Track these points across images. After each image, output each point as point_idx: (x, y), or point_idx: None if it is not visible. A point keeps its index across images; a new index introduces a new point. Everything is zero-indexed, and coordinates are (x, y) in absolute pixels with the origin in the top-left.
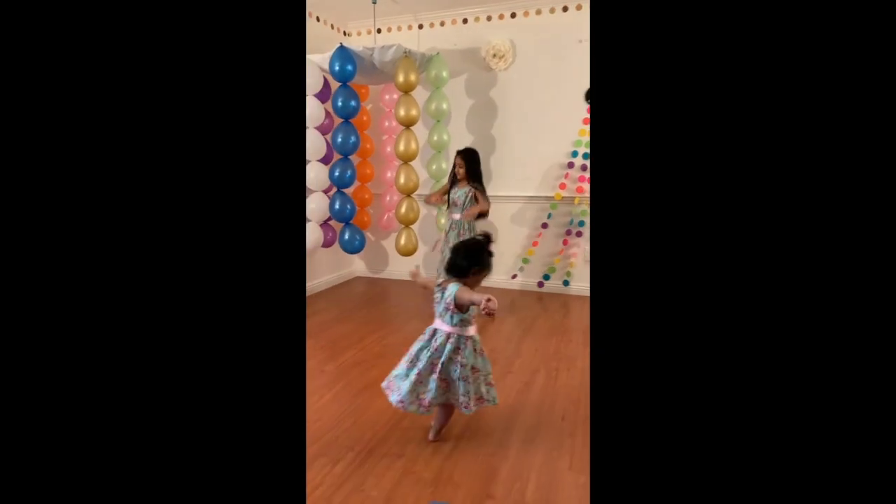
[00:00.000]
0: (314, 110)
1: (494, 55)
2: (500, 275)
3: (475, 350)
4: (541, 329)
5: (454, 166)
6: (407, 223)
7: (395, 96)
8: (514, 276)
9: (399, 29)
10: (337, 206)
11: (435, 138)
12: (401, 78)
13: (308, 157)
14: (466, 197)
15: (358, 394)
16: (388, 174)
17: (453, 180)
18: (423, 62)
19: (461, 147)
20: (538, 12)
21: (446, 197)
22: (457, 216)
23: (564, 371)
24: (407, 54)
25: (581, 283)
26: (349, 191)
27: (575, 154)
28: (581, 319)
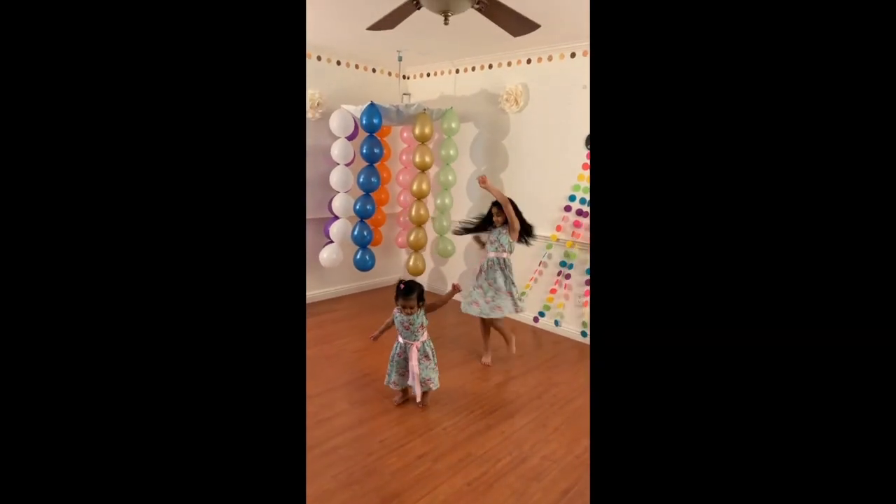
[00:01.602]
0: (344, 150)
1: (507, 99)
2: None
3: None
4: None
5: (491, 214)
6: (417, 248)
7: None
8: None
9: (442, 73)
10: (356, 233)
11: (441, 178)
12: (417, 131)
13: (337, 188)
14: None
15: None
16: (402, 198)
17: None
18: (438, 115)
19: (466, 184)
20: (549, 58)
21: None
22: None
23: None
24: (425, 111)
25: (571, 326)
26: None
27: (573, 198)
28: (567, 362)
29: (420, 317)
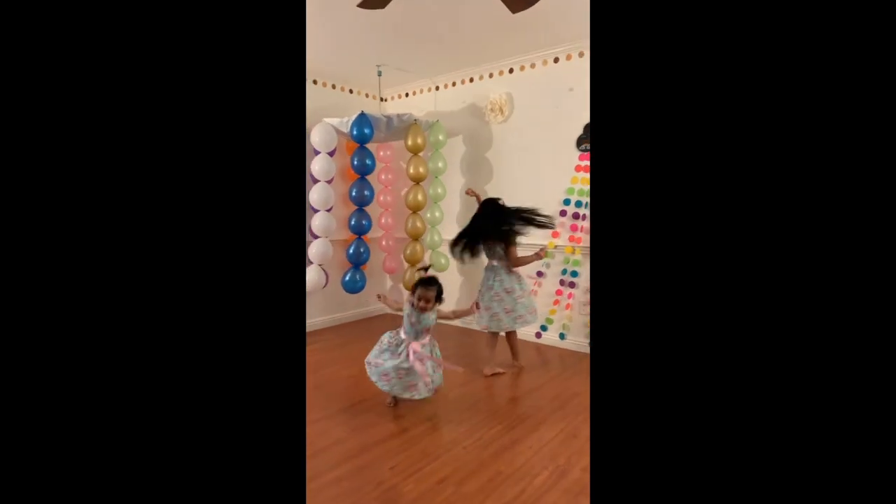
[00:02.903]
0: (326, 166)
1: (492, 109)
2: None
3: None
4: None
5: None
6: (414, 263)
7: (390, 152)
8: None
9: (421, 92)
10: (352, 250)
11: (431, 192)
12: (409, 141)
13: (318, 206)
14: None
15: None
16: (383, 220)
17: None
18: (427, 127)
19: (456, 198)
20: (532, 66)
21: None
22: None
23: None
24: (416, 122)
25: (578, 338)
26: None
27: (567, 202)
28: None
29: (432, 317)
